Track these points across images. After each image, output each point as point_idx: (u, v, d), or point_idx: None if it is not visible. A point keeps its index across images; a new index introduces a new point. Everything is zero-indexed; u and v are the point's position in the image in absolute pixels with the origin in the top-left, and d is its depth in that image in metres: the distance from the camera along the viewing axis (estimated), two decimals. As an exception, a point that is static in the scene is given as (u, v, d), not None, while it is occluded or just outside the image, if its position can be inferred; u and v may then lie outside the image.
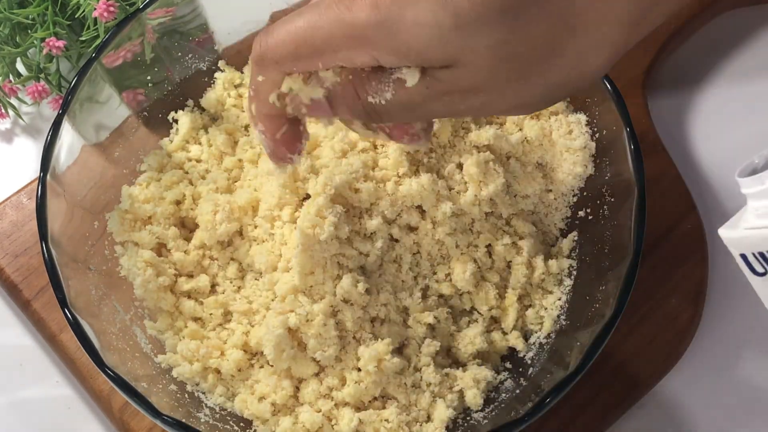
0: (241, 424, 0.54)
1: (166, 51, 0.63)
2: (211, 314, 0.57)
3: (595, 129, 0.59)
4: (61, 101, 0.59)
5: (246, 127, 0.64)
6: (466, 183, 0.57)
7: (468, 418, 0.54)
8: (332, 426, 0.53)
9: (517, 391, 0.55)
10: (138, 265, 0.56)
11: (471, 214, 0.57)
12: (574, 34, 0.40)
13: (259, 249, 0.57)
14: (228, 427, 0.53)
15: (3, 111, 0.71)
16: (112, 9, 0.66)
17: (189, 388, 0.55)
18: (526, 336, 0.58)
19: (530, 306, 0.58)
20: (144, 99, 0.63)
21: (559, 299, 0.58)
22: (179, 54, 0.64)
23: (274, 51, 0.44)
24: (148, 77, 0.63)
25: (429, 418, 0.54)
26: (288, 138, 0.49)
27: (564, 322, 0.57)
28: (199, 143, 0.63)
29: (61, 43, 0.67)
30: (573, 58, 0.41)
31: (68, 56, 0.71)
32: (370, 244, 0.55)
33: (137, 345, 0.55)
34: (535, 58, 0.40)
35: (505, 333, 0.58)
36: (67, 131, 0.56)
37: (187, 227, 0.60)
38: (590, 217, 0.59)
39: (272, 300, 0.56)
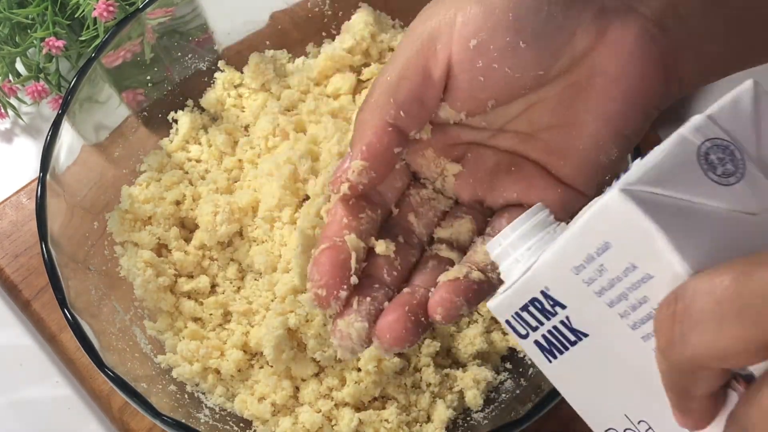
0: (241, 424, 0.54)
1: (165, 51, 0.63)
2: (210, 314, 0.57)
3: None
4: (60, 101, 0.59)
5: (246, 128, 0.64)
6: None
7: (468, 419, 0.54)
8: (332, 426, 0.53)
9: (517, 392, 0.55)
10: (138, 266, 0.56)
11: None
12: None
13: (259, 250, 0.57)
14: (228, 427, 0.53)
15: (3, 111, 0.71)
16: (111, 9, 0.66)
17: (189, 388, 0.55)
18: (526, 336, 0.58)
19: (530, 306, 0.58)
20: (144, 99, 0.63)
21: (559, 299, 0.58)
22: (179, 54, 0.64)
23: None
24: (148, 77, 0.63)
25: (429, 419, 0.54)
26: None
27: (564, 323, 0.57)
28: (199, 143, 0.63)
29: (60, 43, 0.67)
30: None
31: (68, 56, 0.71)
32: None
33: (137, 345, 0.55)
34: None
35: (505, 333, 0.57)
36: (66, 131, 0.56)
37: (186, 227, 0.60)
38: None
39: (272, 300, 0.56)
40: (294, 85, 0.64)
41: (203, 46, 0.65)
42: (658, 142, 0.34)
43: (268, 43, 0.67)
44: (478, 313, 0.58)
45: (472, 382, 0.54)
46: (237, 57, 0.66)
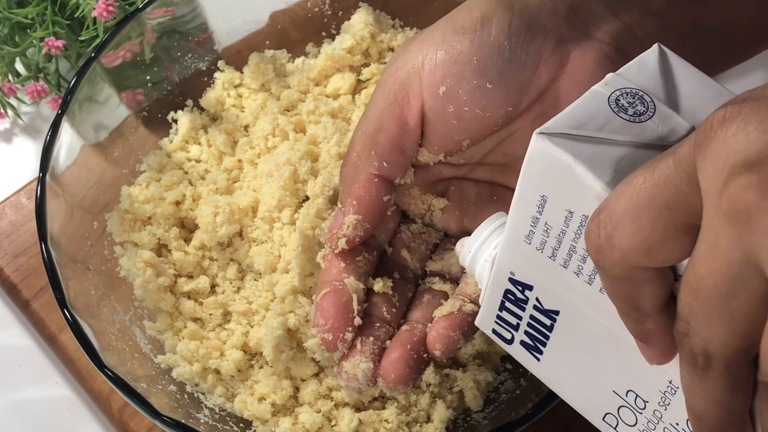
0: (241, 424, 0.54)
1: (165, 51, 0.63)
2: (210, 315, 0.57)
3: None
4: (60, 101, 0.59)
5: (246, 128, 0.64)
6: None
7: (468, 419, 0.54)
8: (332, 426, 0.53)
9: (517, 392, 0.55)
10: (138, 266, 0.56)
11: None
12: None
13: (259, 250, 0.57)
14: (227, 427, 0.53)
15: (2, 111, 0.71)
16: (111, 9, 0.66)
17: (188, 388, 0.55)
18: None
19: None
20: (143, 99, 0.63)
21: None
22: (179, 54, 0.64)
23: None
24: (148, 77, 0.63)
25: (429, 419, 0.54)
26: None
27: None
28: (199, 143, 0.63)
29: (60, 43, 0.67)
30: None
31: (67, 56, 0.71)
32: (370, 245, 0.55)
33: (137, 345, 0.55)
34: None
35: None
36: (66, 131, 0.56)
37: (186, 228, 0.60)
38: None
39: (272, 301, 0.56)
40: (294, 85, 0.64)
41: (203, 45, 0.65)
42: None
43: (267, 43, 0.67)
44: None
45: (472, 383, 0.54)
46: (237, 57, 0.66)
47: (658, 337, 0.33)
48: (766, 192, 0.26)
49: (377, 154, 0.47)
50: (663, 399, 0.36)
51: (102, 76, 0.59)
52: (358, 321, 0.47)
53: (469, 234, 0.45)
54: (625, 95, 0.35)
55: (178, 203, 0.60)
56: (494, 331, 0.42)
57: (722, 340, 0.29)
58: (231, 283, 0.58)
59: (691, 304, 0.29)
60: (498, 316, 0.41)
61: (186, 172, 0.62)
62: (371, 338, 0.47)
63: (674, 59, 0.37)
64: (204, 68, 0.65)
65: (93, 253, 0.56)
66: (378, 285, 0.48)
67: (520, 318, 0.40)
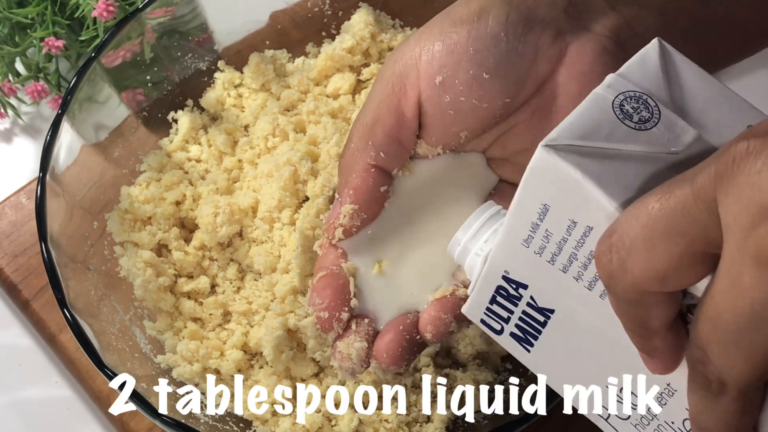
0: (241, 424, 0.54)
1: (165, 51, 0.63)
2: (210, 315, 0.57)
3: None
4: (60, 101, 0.59)
5: (246, 127, 0.64)
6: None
7: (468, 419, 0.54)
8: (332, 426, 0.53)
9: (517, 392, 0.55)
10: (138, 266, 0.56)
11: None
12: None
13: (259, 250, 0.57)
14: (227, 427, 0.53)
15: (2, 111, 0.71)
16: (111, 9, 0.66)
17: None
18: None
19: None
20: (143, 99, 0.63)
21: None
22: (179, 54, 0.64)
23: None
24: (148, 77, 0.63)
25: (429, 419, 0.54)
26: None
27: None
28: (199, 143, 0.63)
29: (60, 43, 0.67)
30: None
31: (67, 56, 0.71)
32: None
33: (137, 345, 0.55)
34: None
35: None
36: (66, 131, 0.56)
37: (186, 228, 0.60)
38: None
39: (272, 301, 0.56)
40: (294, 85, 0.64)
41: (203, 45, 0.65)
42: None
43: (268, 42, 0.67)
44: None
45: (472, 383, 0.54)
46: (237, 57, 0.66)
47: (663, 353, 0.33)
48: None
49: (374, 145, 0.47)
50: (660, 399, 0.36)
51: (102, 76, 0.59)
52: (354, 302, 0.47)
53: None
54: (629, 100, 0.35)
55: (178, 203, 0.60)
56: (483, 321, 0.42)
57: (739, 371, 0.29)
58: (231, 283, 0.58)
59: (708, 335, 0.30)
60: (488, 308, 0.41)
61: (186, 172, 0.62)
62: (366, 320, 0.48)
63: (675, 56, 0.37)
64: (204, 68, 0.65)
65: (93, 253, 0.56)
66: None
67: (511, 312, 0.40)
